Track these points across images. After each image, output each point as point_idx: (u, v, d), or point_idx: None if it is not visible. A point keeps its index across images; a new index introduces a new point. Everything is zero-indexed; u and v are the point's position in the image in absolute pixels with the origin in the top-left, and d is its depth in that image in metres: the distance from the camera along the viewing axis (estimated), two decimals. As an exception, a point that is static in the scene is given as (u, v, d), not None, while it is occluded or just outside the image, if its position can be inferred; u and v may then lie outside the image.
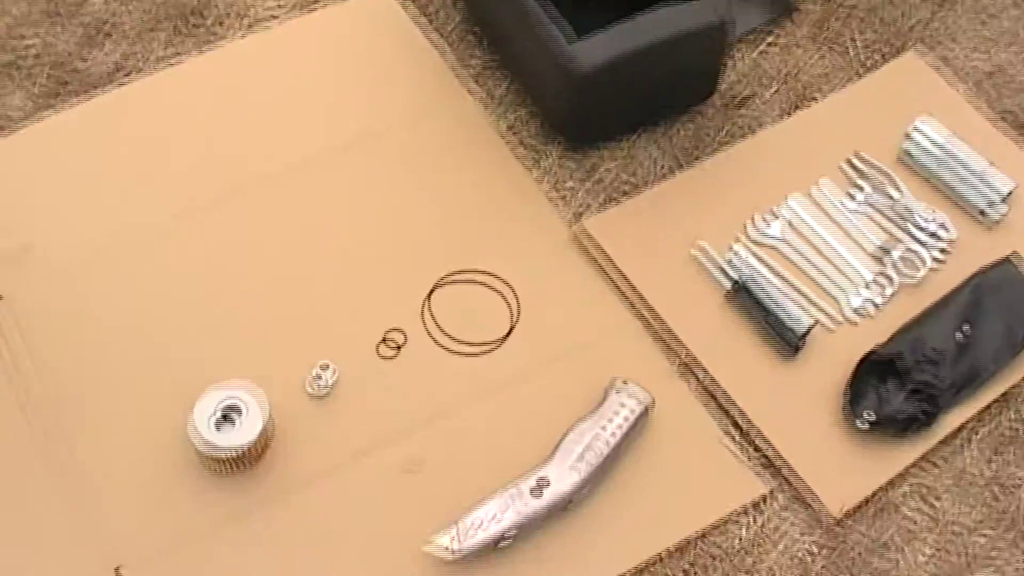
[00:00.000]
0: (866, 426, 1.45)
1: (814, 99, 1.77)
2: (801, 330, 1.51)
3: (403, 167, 1.68)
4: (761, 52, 1.80)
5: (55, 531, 1.37)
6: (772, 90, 1.78)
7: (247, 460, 1.41)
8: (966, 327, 1.53)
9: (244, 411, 1.40)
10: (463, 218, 1.63)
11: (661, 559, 1.39)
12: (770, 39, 1.82)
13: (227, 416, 1.40)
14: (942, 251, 1.61)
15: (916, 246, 1.61)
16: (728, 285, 1.56)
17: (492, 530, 1.34)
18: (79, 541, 1.36)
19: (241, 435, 1.38)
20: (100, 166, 1.67)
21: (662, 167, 1.69)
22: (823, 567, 1.40)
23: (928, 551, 1.41)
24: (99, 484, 1.40)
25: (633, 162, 1.70)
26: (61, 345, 1.51)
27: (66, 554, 1.35)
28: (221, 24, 1.81)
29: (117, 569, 1.35)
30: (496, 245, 1.60)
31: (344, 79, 1.76)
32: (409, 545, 1.35)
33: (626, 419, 1.43)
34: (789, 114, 1.74)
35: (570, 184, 1.68)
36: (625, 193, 1.66)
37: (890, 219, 1.64)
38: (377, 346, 1.52)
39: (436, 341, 1.53)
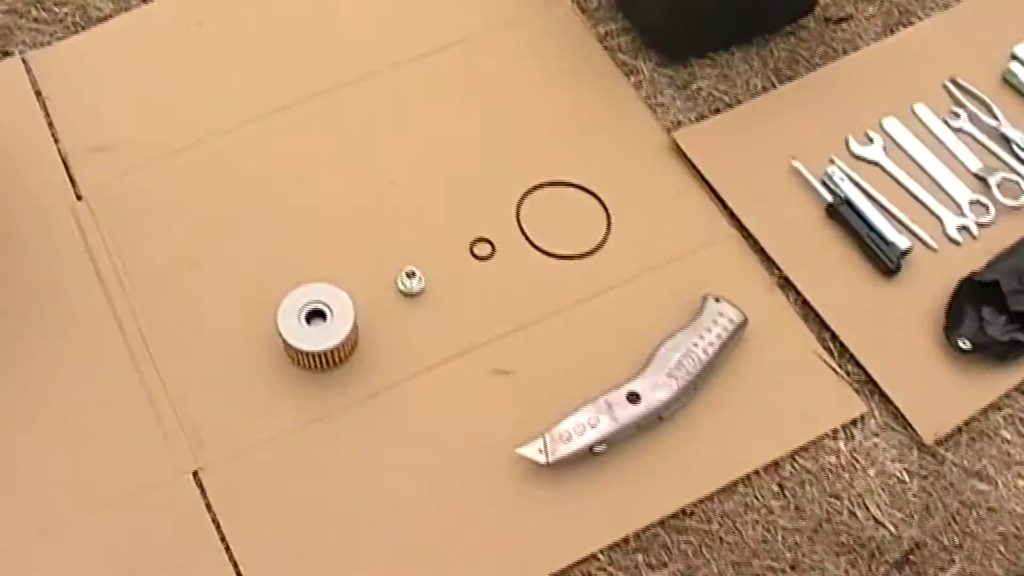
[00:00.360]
0: (968, 345, 1.40)
1: (911, 22, 1.72)
2: (899, 251, 1.48)
3: (497, 72, 1.64)
4: (860, -29, 1.75)
5: (136, 431, 1.36)
6: (871, 10, 1.74)
7: (334, 359, 1.39)
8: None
9: (333, 310, 1.37)
10: (558, 124, 1.59)
11: (752, 475, 1.37)
12: (870, -42, 1.76)
13: (317, 312, 1.38)
14: (1043, 177, 1.55)
15: (1015, 174, 1.56)
16: (825, 202, 1.53)
17: (582, 441, 1.32)
18: (159, 442, 1.35)
19: (330, 333, 1.36)
20: (189, 61, 1.64)
21: (756, 84, 1.66)
22: (916, 493, 1.37)
23: (1025, 479, 1.38)
24: (181, 384, 1.39)
25: (728, 78, 1.66)
26: (144, 245, 1.49)
27: (145, 455, 1.34)
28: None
29: (195, 472, 1.34)
30: (592, 152, 1.56)
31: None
32: (501, 448, 1.33)
33: (720, 334, 1.40)
34: (887, 36, 1.71)
35: (663, 98, 1.65)
36: (718, 110, 1.63)
37: (989, 144, 1.60)
38: (470, 247, 1.49)
39: (532, 245, 1.50)
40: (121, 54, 1.64)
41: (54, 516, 1.30)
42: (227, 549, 1.29)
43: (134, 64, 1.64)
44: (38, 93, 1.59)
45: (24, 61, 1.63)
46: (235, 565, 1.28)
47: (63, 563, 1.27)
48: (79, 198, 1.51)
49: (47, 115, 1.58)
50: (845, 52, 1.68)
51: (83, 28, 1.67)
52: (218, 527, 1.30)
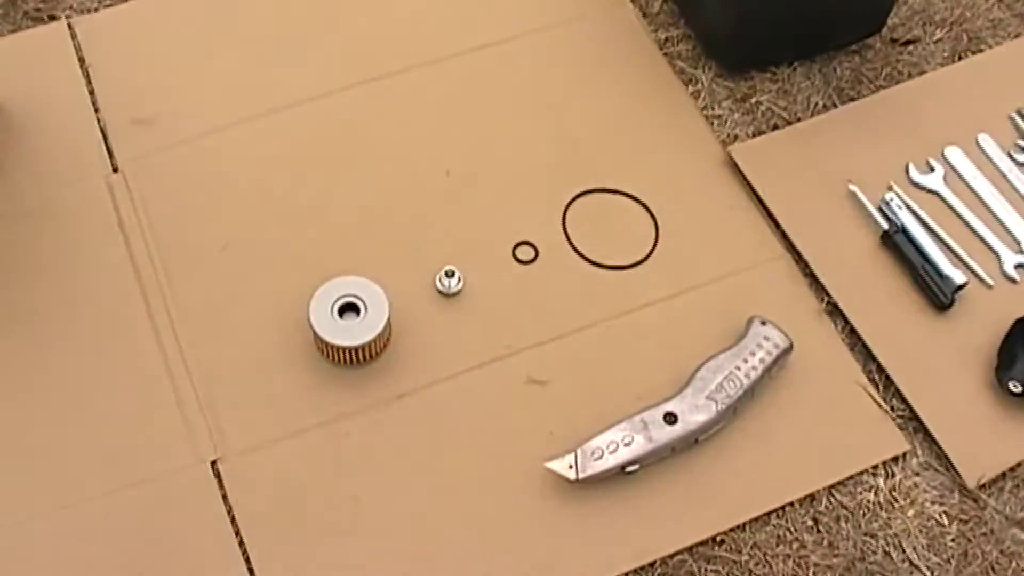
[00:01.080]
0: (1019, 389, 1.35)
1: (981, 49, 1.67)
2: (954, 285, 1.43)
3: (553, 70, 1.61)
4: (932, -7, 1.70)
5: (157, 415, 1.33)
6: (939, 34, 1.69)
7: (365, 355, 1.35)
8: None
9: (367, 304, 1.34)
10: (611, 129, 1.55)
11: (787, 507, 1.33)
12: (943, -20, 1.71)
13: (350, 306, 1.34)
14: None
15: (1080, 213, 1.51)
16: (881, 230, 1.48)
17: (614, 459, 1.28)
18: (179, 428, 1.32)
19: (363, 328, 1.33)
20: (240, 38, 1.61)
21: (817, 102, 1.61)
22: (954, 538, 1.32)
23: (1071, 534, 1.32)
24: (206, 369, 1.36)
25: (788, 94, 1.62)
26: (178, 224, 1.46)
27: (164, 440, 1.31)
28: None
29: (214, 463, 1.30)
30: (644, 161, 1.53)
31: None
32: (529, 461, 1.30)
33: (764, 358, 1.36)
34: (954, 61, 1.66)
35: (720, 110, 1.60)
36: (776, 126, 1.59)
37: (1054, 181, 1.54)
38: (513, 250, 1.45)
39: (577, 252, 1.46)
40: (170, 26, 1.61)
41: (68, 494, 1.28)
42: (240, 543, 1.26)
43: (182, 37, 1.61)
44: (82, 60, 1.57)
45: (70, 26, 1.60)
46: (247, 560, 1.25)
47: (72, 540, 1.25)
48: (115, 170, 1.49)
49: (89, 83, 1.56)
50: (910, 76, 1.64)
51: (133, -4, 1.63)
52: (233, 520, 1.27)
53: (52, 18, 1.61)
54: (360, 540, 1.27)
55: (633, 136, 1.55)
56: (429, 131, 1.54)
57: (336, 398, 1.34)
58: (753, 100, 1.61)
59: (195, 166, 1.49)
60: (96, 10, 1.62)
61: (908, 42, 1.67)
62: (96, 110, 1.53)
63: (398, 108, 1.55)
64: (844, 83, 1.63)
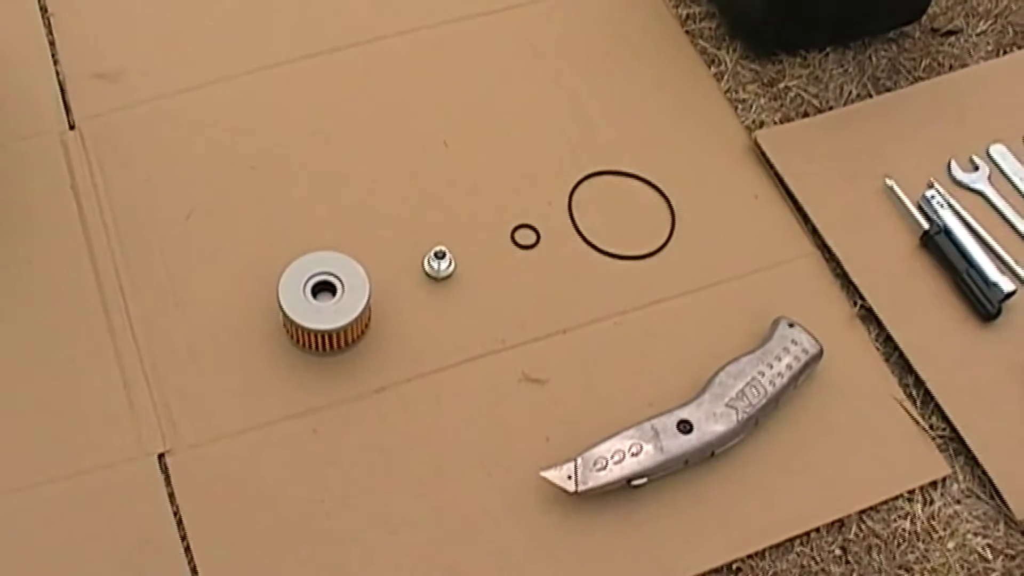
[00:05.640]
0: (1075, 412, 1.23)
1: (1026, 44, 1.59)
2: (1001, 293, 1.34)
3: (565, 41, 1.52)
4: (975, -17, 1.63)
5: (101, 400, 1.23)
6: (982, 26, 1.60)
7: (340, 341, 1.24)
8: None
9: (345, 284, 1.24)
10: (626, 108, 1.47)
11: (813, 533, 1.22)
12: (988, -31, 1.64)
13: (326, 285, 1.25)
14: None
15: None
16: (920, 229, 1.39)
17: (619, 471, 1.17)
18: (124, 415, 1.22)
19: (339, 310, 1.22)
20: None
21: (851, 91, 1.52)
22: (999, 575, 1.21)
23: None
24: (158, 351, 1.26)
25: (819, 80, 1.53)
26: (137, 188, 1.37)
27: (106, 429, 1.21)
28: None
29: (161, 456, 1.20)
30: (661, 143, 1.44)
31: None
32: (522, 468, 1.21)
33: (792, 364, 1.25)
34: (998, 55, 1.57)
35: (745, 94, 1.52)
36: (806, 113, 1.50)
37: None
38: (512, 233, 1.35)
39: (583, 238, 1.36)
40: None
41: (1, 483, 1.18)
42: (187, 549, 1.15)
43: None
44: (43, 9, 1.51)
45: (31, -28, 1.52)
46: (193, 570, 1.14)
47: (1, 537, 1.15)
48: (72, 127, 1.41)
49: (50, 32, 1.49)
50: (951, 68, 1.56)
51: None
52: (180, 523, 1.16)
53: (13, -37, 1.53)
54: (323, 550, 1.16)
55: (649, 116, 1.46)
56: (427, 98, 1.45)
57: (304, 389, 1.24)
58: (781, 85, 1.52)
59: (160, 127, 1.41)
60: (61, -43, 1.54)
61: (949, 32, 1.59)
62: (55, 61, 1.46)
63: (394, 73, 1.47)
64: (880, 72, 1.54)
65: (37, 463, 1.18)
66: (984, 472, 1.26)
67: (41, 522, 1.15)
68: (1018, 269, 1.38)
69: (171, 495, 1.17)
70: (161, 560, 1.14)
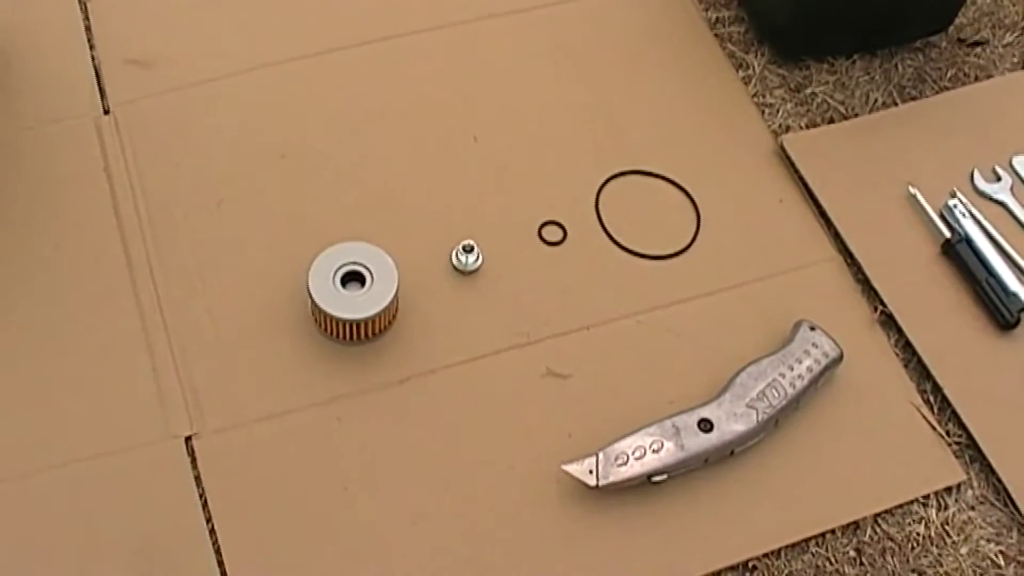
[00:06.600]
0: (1092, 422, 1.23)
1: (1053, 57, 1.58)
2: (1021, 303, 1.34)
3: (596, 42, 1.51)
4: (1005, -6, 1.62)
5: (129, 382, 1.22)
6: (1009, 38, 1.60)
7: (368, 331, 1.24)
8: None
9: (374, 274, 1.23)
10: (654, 109, 1.46)
11: (828, 534, 1.21)
12: (1018, -20, 1.63)
13: (355, 275, 1.24)
14: None
15: None
16: (942, 238, 1.38)
17: (640, 467, 1.17)
18: (152, 398, 1.21)
19: (367, 300, 1.22)
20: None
21: (876, 99, 1.52)
22: (1011, 582, 1.21)
23: None
24: (187, 336, 1.25)
25: (845, 87, 1.53)
26: (169, 174, 1.36)
27: (134, 411, 1.20)
28: None
29: (188, 439, 1.19)
30: (688, 145, 1.43)
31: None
32: (544, 462, 1.20)
33: (812, 367, 1.24)
34: (1022, 67, 1.57)
35: (772, 99, 1.51)
36: (832, 120, 1.49)
37: None
38: (539, 229, 1.35)
39: (609, 237, 1.35)
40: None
41: (29, 462, 1.17)
42: (212, 532, 1.14)
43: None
44: None
45: (70, -42, 1.51)
46: (218, 551, 1.13)
47: (26, 512, 1.14)
48: (106, 112, 1.40)
49: (86, 18, 1.49)
50: (977, 78, 1.55)
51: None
52: (205, 505, 1.16)
53: (51, -52, 1.52)
54: (345, 537, 1.15)
55: (677, 118, 1.45)
56: (457, 93, 1.44)
57: (331, 377, 1.23)
58: (808, 91, 1.52)
59: (193, 115, 1.40)
60: (99, -57, 1.53)
61: (976, 43, 1.59)
62: (91, 47, 1.45)
63: (425, 67, 1.46)
64: (906, 81, 1.54)
65: (65, 443, 1.17)
66: (999, 479, 1.25)
67: (68, 501, 1.14)
68: (1042, 278, 1.38)
69: (197, 478, 1.17)
70: (186, 541, 1.13)
